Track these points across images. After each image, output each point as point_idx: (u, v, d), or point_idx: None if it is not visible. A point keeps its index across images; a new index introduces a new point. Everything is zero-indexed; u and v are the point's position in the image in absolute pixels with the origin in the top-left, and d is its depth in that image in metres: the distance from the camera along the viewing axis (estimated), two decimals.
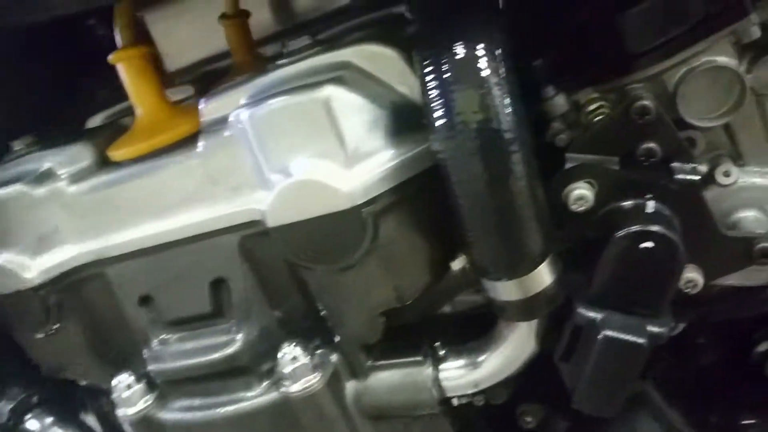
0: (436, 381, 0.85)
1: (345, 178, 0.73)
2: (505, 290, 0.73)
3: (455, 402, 0.88)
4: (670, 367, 1.14)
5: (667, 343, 0.97)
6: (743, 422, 1.07)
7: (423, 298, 0.87)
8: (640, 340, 0.70)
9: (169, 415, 0.89)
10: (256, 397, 0.85)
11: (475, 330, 0.89)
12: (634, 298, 0.71)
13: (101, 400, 1.10)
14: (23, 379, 1.06)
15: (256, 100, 0.76)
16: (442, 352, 0.87)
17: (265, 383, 0.85)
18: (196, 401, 0.88)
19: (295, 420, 0.84)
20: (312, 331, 0.86)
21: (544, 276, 0.72)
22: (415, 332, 0.90)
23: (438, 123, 0.66)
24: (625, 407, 1.02)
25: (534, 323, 0.80)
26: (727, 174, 0.77)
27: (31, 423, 1.02)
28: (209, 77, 1.13)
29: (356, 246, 0.75)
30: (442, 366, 0.85)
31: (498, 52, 0.65)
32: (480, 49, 0.65)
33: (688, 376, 1.15)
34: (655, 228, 0.69)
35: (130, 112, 0.96)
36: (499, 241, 0.69)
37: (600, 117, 0.76)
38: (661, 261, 0.69)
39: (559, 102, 0.78)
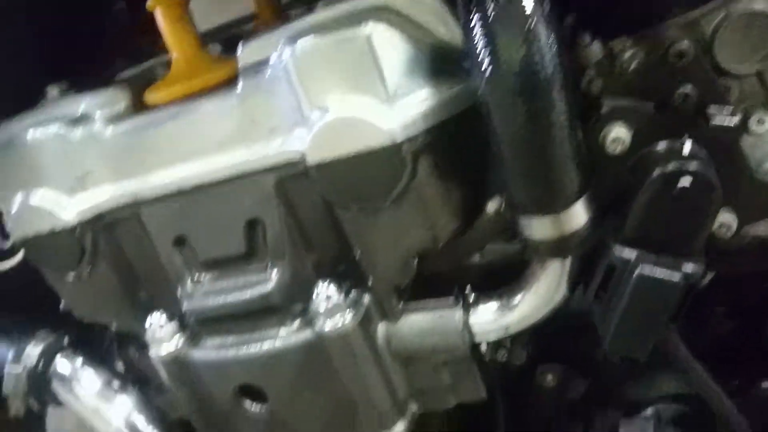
0: (467, 325, 0.86)
1: (385, 116, 0.74)
2: (541, 227, 0.74)
3: (484, 348, 0.90)
4: (688, 336, 1.16)
5: (684, 313, 0.98)
6: (765, 386, 1.08)
7: (455, 245, 0.88)
8: (675, 279, 0.71)
9: (201, 353, 0.91)
10: (288, 335, 0.87)
11: (504, 280, 0.91)
12: (669, 237, 0.72)
13: (129, 348, 1.12)
14: (53, 321, 1.07)
15: (298, 38, 0.77)
16: (472, 297, 0.88)
17: (297, 322, 0.87)
18: (229, 339, 0.90)
19: (326, 359, 0.85)
20: (345, 274, 0.88)
21: (579, 214, 0.74)
22: (446, 279, 0.92)
23: (481, 62, 0.67)
24: (649, 362, 1.04)
25: (566, 266, 0.81)
26: (761, 122, 0.78)
27: (62, 364, 1.03)
28: (235, 40, 1.14)
29: (394, 184, 0.76)
30: (473, 309, 0.87)
31: None
32: None
33: (707, 345, 1.16)
34: (692, 167, 0.70)
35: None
36: (538, 176, 0.71)
37: (636, 62, 0.77)
38: (697, 199, 0.70)
39: (595, 49, 0.79)
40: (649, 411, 0.97)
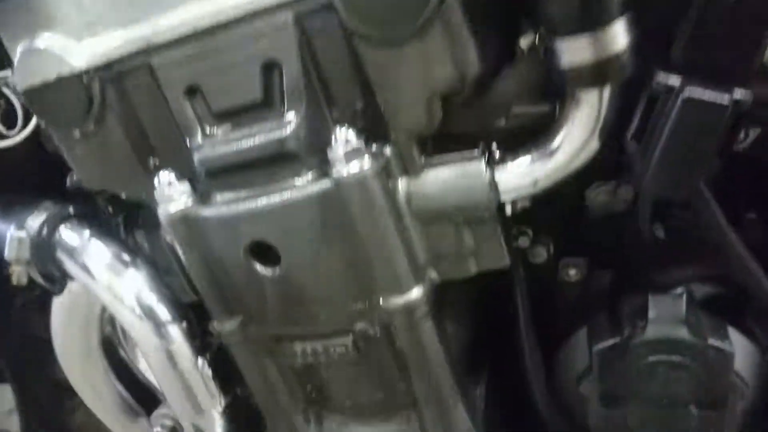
0: (493, 179, 0.81)
1: None
2: (579, 49, 0.70)
3: (509, 210, 0.85)
4: None
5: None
6: None
7: (482, 101, 0.84)
8: (724, 102, 0.66)
9: (212, 209, 0.87)
10: (305, 185, 0.82)
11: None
12: (718, 60, 0.67)
13: (136, 232, 1.08)
14: (56, 193, 1.04)
15: None
16: (498, 152, 0.83)
17: (314, 171, 0.82)
18: (242, 193, 0.85)
19: (343, 210, 0.81)
20: (366, 127, 0.83)
21: (619, 35, 0.69)
22: (470, 142, 0.87)
23: None
24: (678, 246, 0.99)
25: (602, 113, 0.75)
26: None
27: (67, 234, 0.99)
28: None
29: (421, 8, 0.71)
30: (499, 164, 0.82)
31: None
32: None
33: None
34: None
35: None
36: None
37: None
38: (753, 10, 0.65)
39: None
40: (680, 290, 0.92)
